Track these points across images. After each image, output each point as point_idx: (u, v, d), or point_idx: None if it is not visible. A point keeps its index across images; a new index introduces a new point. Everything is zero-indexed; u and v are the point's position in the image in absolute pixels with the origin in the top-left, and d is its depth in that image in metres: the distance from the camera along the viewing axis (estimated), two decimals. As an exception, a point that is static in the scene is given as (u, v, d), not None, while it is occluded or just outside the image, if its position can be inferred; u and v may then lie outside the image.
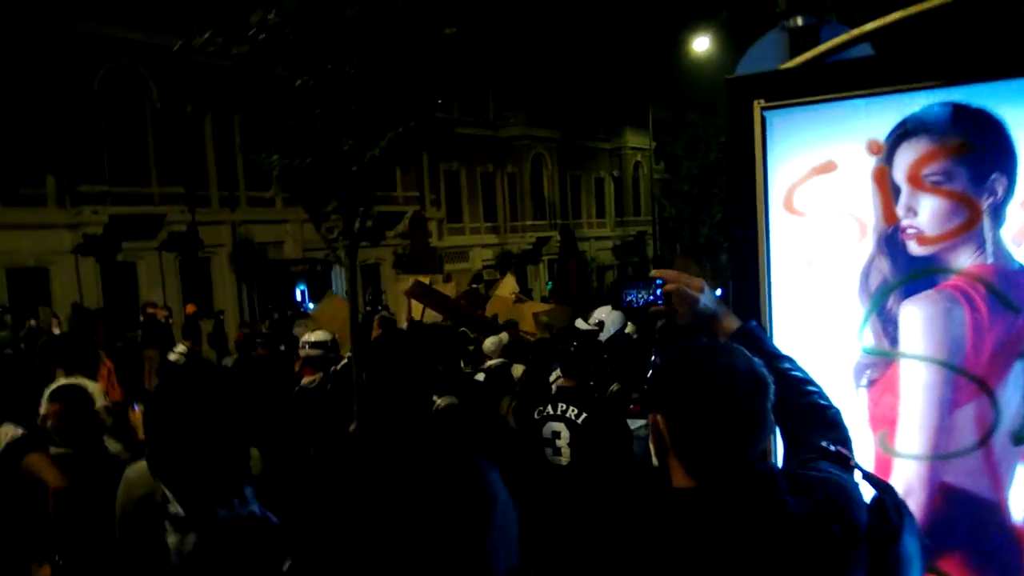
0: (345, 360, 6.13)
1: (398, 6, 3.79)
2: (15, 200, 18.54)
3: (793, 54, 3.86)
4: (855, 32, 1.99)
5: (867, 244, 1.88)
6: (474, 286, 23.53)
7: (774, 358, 1.78)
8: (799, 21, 3.74)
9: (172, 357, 7.17)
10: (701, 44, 26.23)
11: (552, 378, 4.57)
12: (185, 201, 21.88)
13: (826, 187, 1.91)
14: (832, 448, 1.63)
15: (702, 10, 26.37)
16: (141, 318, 16.65)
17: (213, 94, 21.03)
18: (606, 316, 7.48)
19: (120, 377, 9.35)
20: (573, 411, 3.36)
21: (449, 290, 18.46)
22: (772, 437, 1.73)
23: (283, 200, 25.05)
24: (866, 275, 1.88)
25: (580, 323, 7.88)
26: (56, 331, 15.51)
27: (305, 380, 5.69)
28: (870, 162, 1.86)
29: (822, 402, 1.72)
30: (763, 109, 1.93)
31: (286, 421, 5.25)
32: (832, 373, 1.92)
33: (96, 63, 19.70)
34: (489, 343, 6.57)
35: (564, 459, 3.35)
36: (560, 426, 3.37)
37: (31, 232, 19.22)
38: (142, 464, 2.06)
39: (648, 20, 33.36)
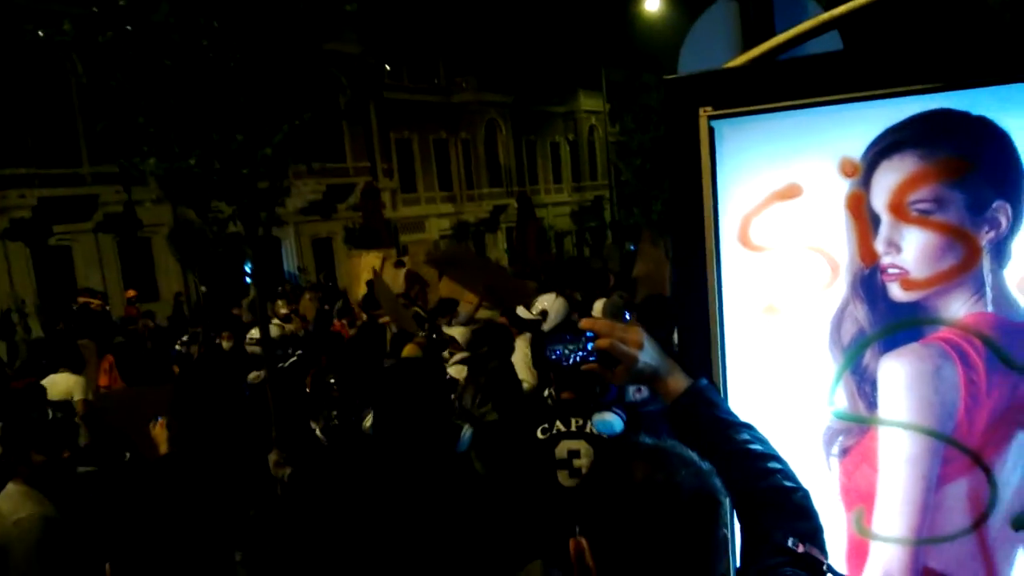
0: (294, 358, 5.75)
1: None
2: (-68, 185, 17.41)
3: (745, 31, 3.50)
4: (823, 17, 1.61)
5: (840, 287, 1.52)
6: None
7: (729, 426, 1.45)
8: (749, -10, 3.36)
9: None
10: (652, 3, 25.75)
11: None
12: (120, 181, 20.79)
13: (789, 216, 1.54)
14: (800, 548, 1.30)
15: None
16: (74, 306, 15.87)
17: (137, 67, 19.80)
18: (549, 305, 7.03)
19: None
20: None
21: (406, 262, 18.00)
22: (726, 559, 1.38)
23: (227, 175, 24.17)
24: (838, 324, 1.53)
25: (522, 311, 7.45)
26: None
27: (251, 376, 5.60)
28: (843, 186, 1.50)
29: (787, 483, 1.39)
30: (710, 118, 1.54)
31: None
32: (798, 441, 1.58)
33: (12, 38, 18.37)
34: (459, 332, 6.03)
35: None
36: (580, 444, 2.89)
37: (-45, 218, 18.14)
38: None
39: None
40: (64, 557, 2.53)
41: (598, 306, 6.90)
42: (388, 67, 30.11)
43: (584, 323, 1.52)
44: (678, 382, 1.48)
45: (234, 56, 3.15)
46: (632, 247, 32.44)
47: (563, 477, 2.89)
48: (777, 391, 1.61)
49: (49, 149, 19.32)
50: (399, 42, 29.78)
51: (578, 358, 1.50)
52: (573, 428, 2.91)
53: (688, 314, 1.62)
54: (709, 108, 1.54)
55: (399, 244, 28.49)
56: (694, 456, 1.13)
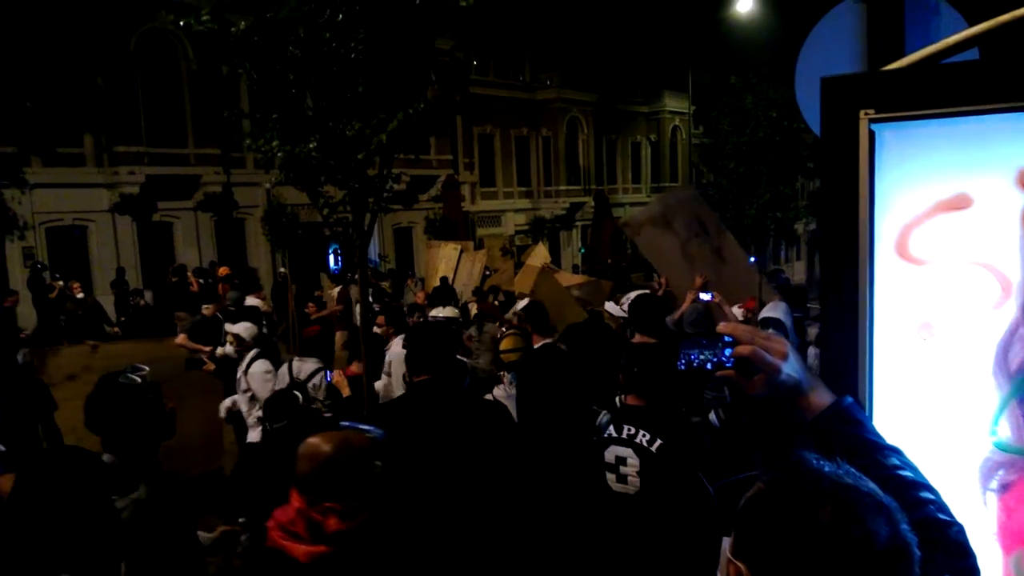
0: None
1: None
2: (53, 160, 18.60)
3: (871, 30, 3.34)
4: (1001, 19, 1.50)
5: (1009, 308, 1.42)
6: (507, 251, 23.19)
7: (877, 449, 1.36)
8: (878, -10, 3.20)
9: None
10: (744, 4, 25.06)
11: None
12: (220, 162, 21.74)
13: (956, 229, 1.44)
14: None
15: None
16: (173, 279, 16.66)
17: (246, 56, 20.55)
18: (628, 306, 6.89)
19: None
20: (644, 436, 2.90)
21: (480, 257, 18.13)
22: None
23: (315, 162, 24.87)
24: (1006, 348, 1.43)
25: (611, 307, 7.32)
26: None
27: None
28: (1019, 199, 1.39)
29: (942, 516, 1.30)
30: (871, 122, 1.46)
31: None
32: (951, 472, 1.48)
33: (132, 24, 19.45)
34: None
35: (631, 488, 2.90)
36: (627, 452, 2.91)
37: (69, 191, 19.33)
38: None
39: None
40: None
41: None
42: (475, 62, 30.37)
43: (724, 327, 1.46)
44: (821, 398, 1.41)
45: (355, 49, 3.22)
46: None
47: (611, 480, 2.89)
48: (929, 415, 1.52)
49: (159, 129, 20.37)
50: (487, 38, 29.99)
51: (712, 364, 1.45)
52: (624, 435, 2.89)
53: (835, 326, 1.54)
54: (871, 111, 1.46)
55: (475, 237, 28.75)
56: (877, 489, 1.06)
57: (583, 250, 34.17)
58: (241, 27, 3.33)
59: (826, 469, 1.11)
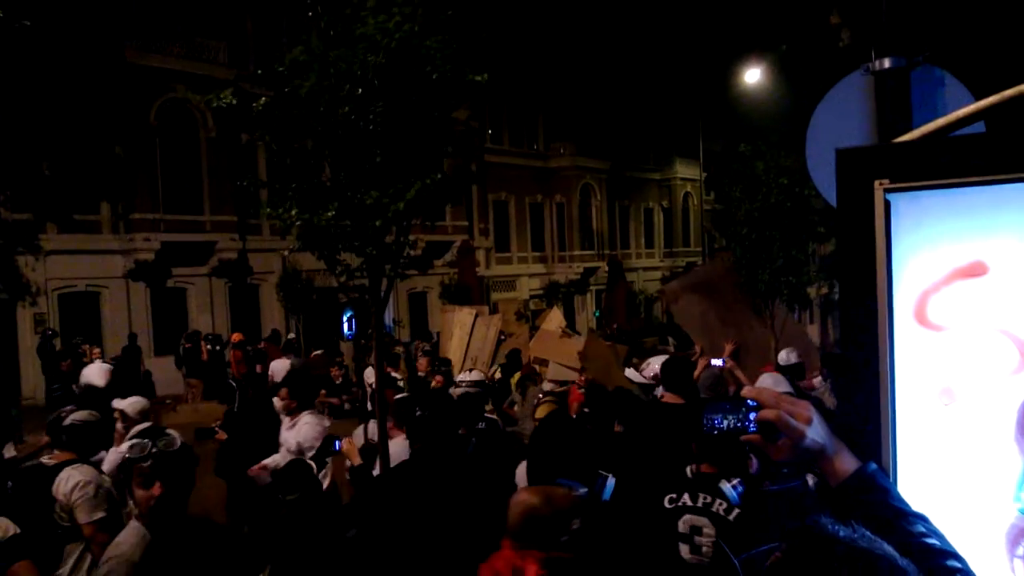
0: None
1: (426, 53, 3.48)
2: (70, 227, 18.96)
3: (879, 102, 3.42)
4: (1010, 92, 1.56)
5: (1030, 373, 1.42)
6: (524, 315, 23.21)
7: (902, 516, 1.35)
8: (886, 63, 3.29)
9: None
10: (752, 76, 25.70)
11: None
12: (236, 229, 22.16)
13: (973, 295, 1.46)
14: None
15: (754, 40, 25.82)
16: (187, 345, 16.74)
17: (266, 125, 21.23)
18: (661, 366, 6.94)
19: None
20: (721, 505, 2.85)
21: (496, 321, 18.15)
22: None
23: (332, 228, 25.30)
24: (1028, 414, 1.43)
25: (632, 373, 7.33)
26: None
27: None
28: (1034, 265, 1.41)
29: None
30: (887, 191, 1.50)
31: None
32: (976, 538, 1.46)
33: (153, 95, 20.18)
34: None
35: (705, 558, 2.82)
36: (703, 520, 2.85)
37: (84, 258, 19.66)
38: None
39: (699, 51, 32.92)
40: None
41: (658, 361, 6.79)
42: (490, 131, 31.12)
43: (748, 392, 1.47)
44: (846, 463, 1.40)
45: (373, 121, 3.34)
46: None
47: (684, 551, 2.80)
48: (953, 481, 1.50)
49: (175, 197, 20.84)
50: (501, 107, 30.79)
51: (736, 428, 1.45)
52: (700, 504, 2.82)
53: (857, 393, 1.54)
54: (886, 181, 1.50)
55: (490, 301, 28.86)
56: (894, 553, 1.06)
57: (597, 314, 34.18)
58: (262, 102, 3.48)
59: (841, 534, 1.11)
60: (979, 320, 1.46)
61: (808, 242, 7.43)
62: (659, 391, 6.52)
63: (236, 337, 18.30)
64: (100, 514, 3.54)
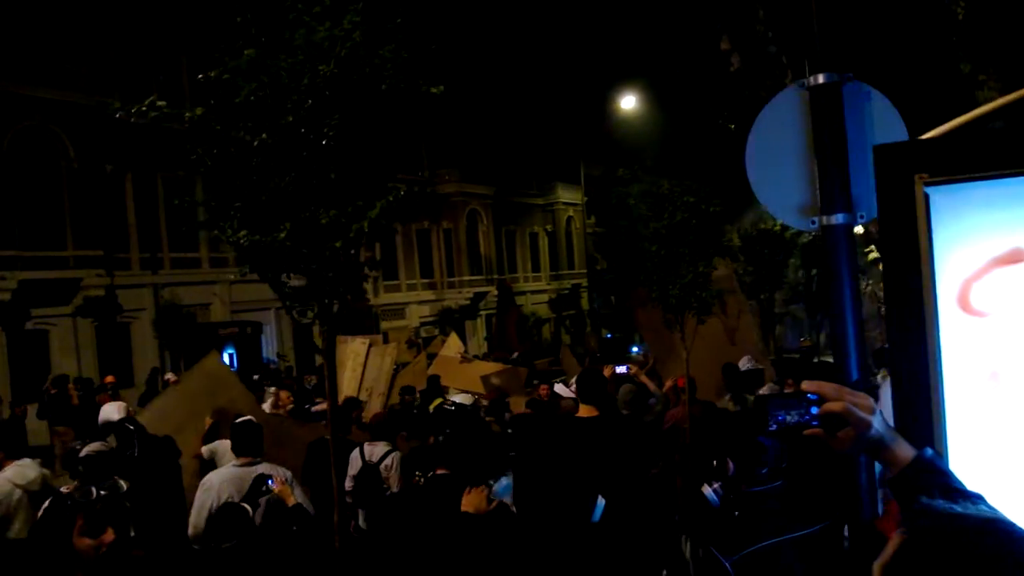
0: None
1: (379, 63, 3.36)
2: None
3: (815, 115, 3.63)
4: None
5: (1072, 353, 1.51)
6: (416, 341, 22.84)
7: (965, 497, 1.38)
8: (820, 79, 3.51)
9: None
10: (628, 102, 26.95)
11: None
12: (103, 264, 20.53)
13: (1013, 281, 1.53)
14: None
15: (632, 67, 27.11)
16: (52, 390, 15.28)
17: (134, 153, 19.97)
18: (576, 379, 7.10)
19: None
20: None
21: (391, 351, 17.75)
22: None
23: (210, 260, 23.93)
24: (1072, 392, 1.51)
25: (561, 388, 7.41)
26: None
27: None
28: (1069, 250, 1.51)
29: None
30: (926, 185, 1.55)
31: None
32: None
33: (6, 123, 18.46)
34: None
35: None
36: None
37: (-74, 301, 17.58)
38: None
39: (579, 77, 34.15)
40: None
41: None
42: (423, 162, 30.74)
43: (808, 385, 1.47)
44: (904, 451, 1.42)
45: (325, 135, 3.17)
46: (609, 335, 32.63)
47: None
48: (1003, 461, 1.56)
49: (34, 231, 19.07)
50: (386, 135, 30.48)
51: (800, 421, 1.45)
52: None
53: (907, 381, 1.58)
54: (925, 175, 1.55)
55: (380, 330, 28.25)
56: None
57: (488, 338, 34.33)
58: (198, 112, 3.21)
59: (958, 509, 1.12)
60: (1020, 305, 1.53)
61: (714, 257, 7.75)
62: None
63: (108, 379, 16.93)
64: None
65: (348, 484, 5.45)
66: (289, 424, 7.98)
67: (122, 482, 2.29)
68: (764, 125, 3.88)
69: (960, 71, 4.90)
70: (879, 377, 6.47)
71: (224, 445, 5.97)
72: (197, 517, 4.47)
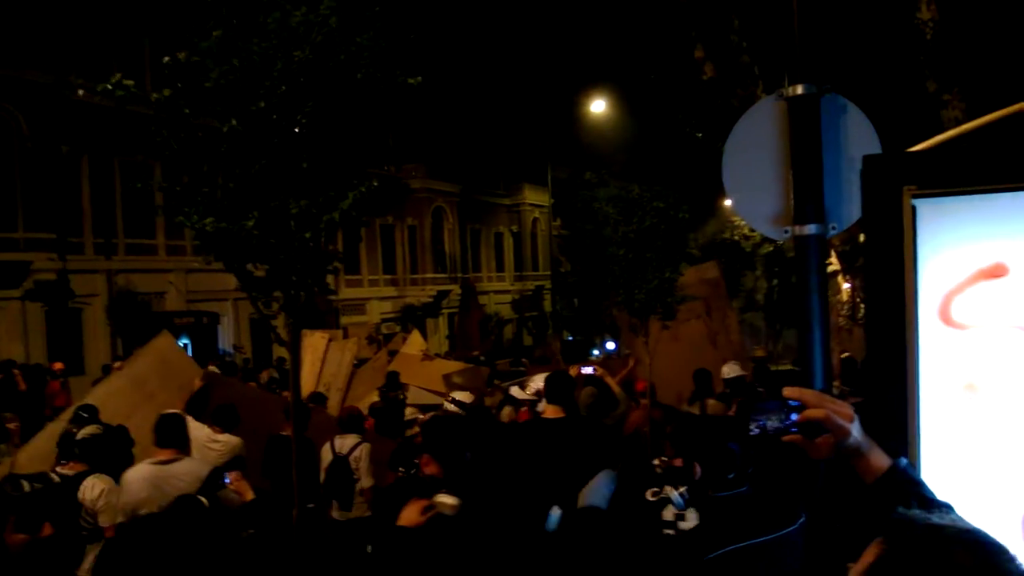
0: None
1: (355, 51, 3.29)
2: None
3: (794, 126, 3.67)
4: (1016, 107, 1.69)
5: (1049, 368, 1.53)
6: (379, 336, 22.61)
7: (934, 507, 1.39)
8: (799, 90, 3.54)
9: None
10: (598, 106, 27.09)
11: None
12: (55, 247, 19.87)
13: (995, 295, 1.55)
14: None
15: (602, 71, 27.26)
16: (-1, 376, 14.76)
17: (91, 135, 19.36)
18: (545, 380, 7.07)
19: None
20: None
21: (351, 346, 17.54)
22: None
23: (167, 248, 23.35)
24: (1048, 407, 1.53)
25: (516, 391, 7.43)
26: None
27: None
28: (1050, 267, 1.53)
29: None
30: (914, 197, 1.56)
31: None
32: (997, 526, 1.53)
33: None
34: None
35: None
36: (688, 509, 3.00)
37: None
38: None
39: (548, 78, 34.23)
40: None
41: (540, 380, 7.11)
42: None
43: (790, 391, 1.47)
44: (880, 460, 1.43)
45: (298, 122, 3.09)
46: (571, 337, 32.78)
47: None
48: (976, 473, 1.58)
49: (-18, 213, 18.41)
50: (353, 127, 30.12)
51: (780, 427, 1.45)
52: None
53: (885, 390, 1.59)
54: (913, 187, 1.56)
55: (340, 325, 27.92)
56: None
57: (449, 336, 34.20)
58: (165, 93, 3.10)
59: (936, 520, 1.13)
60: (1001, 318, 1.55)
61: (681, 263, 7.81)
62: (540, 406, 6.66)
63: (57, 366, 16.41)
64: (121, 519, 3.93)
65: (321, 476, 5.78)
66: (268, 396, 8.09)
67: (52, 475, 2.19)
68: (740, 134, 3.91)
69: (926, 89, 5.04)
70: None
71: (199, 432, 5.69)
72: (111, 519, 4.12)
